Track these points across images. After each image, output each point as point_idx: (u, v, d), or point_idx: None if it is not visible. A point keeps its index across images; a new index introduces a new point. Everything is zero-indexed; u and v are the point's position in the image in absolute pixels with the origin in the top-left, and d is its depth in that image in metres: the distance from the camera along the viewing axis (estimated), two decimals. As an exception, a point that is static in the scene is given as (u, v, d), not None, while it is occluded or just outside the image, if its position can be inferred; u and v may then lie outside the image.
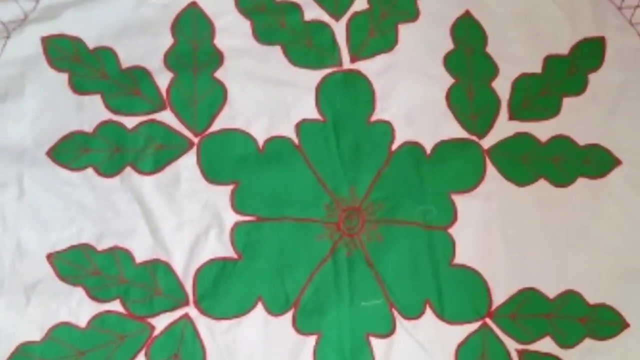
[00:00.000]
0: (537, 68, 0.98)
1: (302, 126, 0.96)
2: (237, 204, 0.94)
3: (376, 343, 0.92)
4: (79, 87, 0.96)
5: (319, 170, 0.95)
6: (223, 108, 0.96)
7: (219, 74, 0.97)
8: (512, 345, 0.92)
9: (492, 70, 0.98)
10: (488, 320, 0.93)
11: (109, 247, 0.92)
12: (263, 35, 0.98)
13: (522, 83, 0.98)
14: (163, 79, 0.96)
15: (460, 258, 0.94)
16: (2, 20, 0.96)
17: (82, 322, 0.90)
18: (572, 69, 0.98)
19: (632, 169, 0.96)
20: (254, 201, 0.94)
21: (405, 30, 0.99)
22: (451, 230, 0.94)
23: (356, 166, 0.95)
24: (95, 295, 0.91)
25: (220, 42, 0.98)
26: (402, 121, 0.96)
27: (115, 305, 0.91)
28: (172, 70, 0.96)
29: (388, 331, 0.92)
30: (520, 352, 0.92)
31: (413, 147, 0.96)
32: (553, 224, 0.94)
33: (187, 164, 0.95)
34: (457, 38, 0.98)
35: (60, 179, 0.93)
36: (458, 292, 0.93)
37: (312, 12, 0.98)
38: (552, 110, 0.97)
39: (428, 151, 0.96)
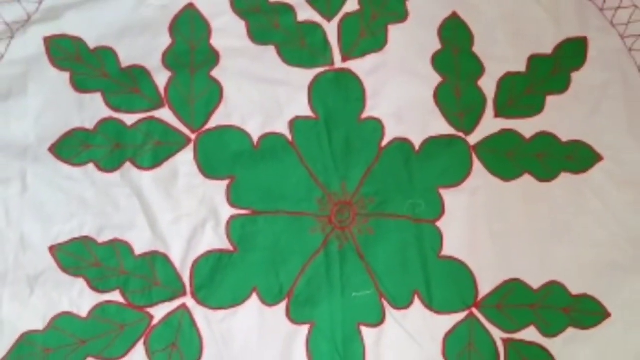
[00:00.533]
0: (521, 67, 1.00)
1: (296, 123, 0.98)
2: (233, 198, 0.95)
3: (367, 332, 0.93)
4: (80, 85, 0.97)
5: (312, 165, 0.97)
6: (219, 106, 0.97)
7: (215, 73, 0.98)
8: (497, 334, 0.94)
9: (478, 69, 0.99)
10: (474, 310, 0.94)
11: (109, 239, 0.93)
12: (257, 36, 0.99)
13: (507, 82, 0.99)
14: (161, 78, 0.98)
15: (447, 250, 0.95)
16: (6, 21, 0.97)
17: (83, 312, 0.92)
18: (555, 69, 1.00)
19: (613, 166, 0.97)
20: (249, 195, 0.96)
21: (394, 31, 1.00)
22: (439, 224, 0.96)
23: (347, 162, 0.97)
24: (96, 286, 0.92)
25: (216, 42, 0.99)
26: (391, 119, 0.98)
27: (115, 296, 0.92)
28: (170, 70, 0.98)
29: (378, 321, 0.93)
30: (506, 341, 0.93)
31: (402, 144, 0.97)
32: (537, 218, 0.96)
33: (185, 160, 0.96)
34: (444, 38, 1.00)
35: (62, 174, 0.95)
36: (445, 283, 0.94)
37: (305, 13, 1.00)
38: (536, 108, 0.98)
39: (417, 147, 0.97)
